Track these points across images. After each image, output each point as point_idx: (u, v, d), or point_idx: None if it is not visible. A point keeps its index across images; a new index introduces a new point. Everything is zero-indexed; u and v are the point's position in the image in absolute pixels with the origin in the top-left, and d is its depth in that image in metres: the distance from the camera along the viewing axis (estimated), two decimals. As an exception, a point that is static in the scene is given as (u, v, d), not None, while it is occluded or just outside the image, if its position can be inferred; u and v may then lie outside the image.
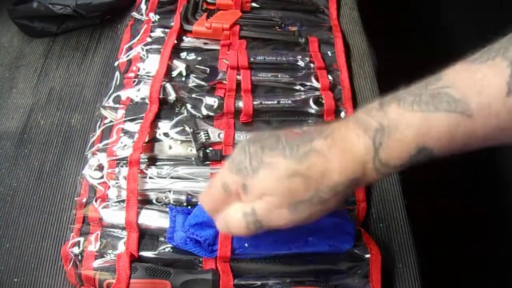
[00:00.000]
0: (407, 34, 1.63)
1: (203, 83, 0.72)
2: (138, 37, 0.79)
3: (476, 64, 0.35)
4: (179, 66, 0.74)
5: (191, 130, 0.66)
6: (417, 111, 0.36)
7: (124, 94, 0.71)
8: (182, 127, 0.66)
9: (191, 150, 0.65)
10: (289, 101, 0.71)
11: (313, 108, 0.71)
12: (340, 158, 0.39)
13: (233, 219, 0.43)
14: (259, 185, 0.40)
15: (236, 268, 0.55)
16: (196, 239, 0.54)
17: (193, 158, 0.65)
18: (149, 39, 0.78)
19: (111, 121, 0.68)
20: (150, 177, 0.62)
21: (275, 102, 0.71)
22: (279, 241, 0.55)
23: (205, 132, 0.66)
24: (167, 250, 0.57)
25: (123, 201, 0.59)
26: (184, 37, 0.80)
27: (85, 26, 0.87)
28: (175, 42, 0.77)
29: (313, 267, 0.56)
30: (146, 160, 0.64)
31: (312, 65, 0.77)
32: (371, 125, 0.38)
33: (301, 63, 0.78)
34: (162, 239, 0.57)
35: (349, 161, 0.39)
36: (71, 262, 0.56)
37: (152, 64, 0.74)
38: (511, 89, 0.33)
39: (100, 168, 0.63)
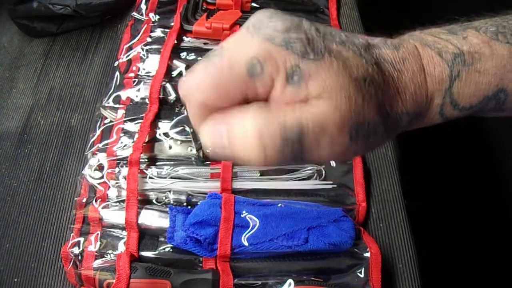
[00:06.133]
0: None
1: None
2: (138, 37, 0.79)
3: None
4: (179, 66, 0.74)
5: (191, 130, 0.65)
6: (504, 43, 0.30)
7: (124, 94, 0.71)
8: (182, 127, 0.66)
9: (191, 150, 0.65)
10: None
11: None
12: (415, 78, 0.29)
13: (254, 131, 0.25)
14: (322, 77, 0.25)
15: (236, 267, 0.55)
16: (196, 238, 0.54)
17: (193, 158, 0.65)
18: (149, 39, 0.78)
19: (111, 121, 0.68)
20: (150, 177, 0.62)
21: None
22: (278, 240, 0.55)
23: (205, 132, 0.66)
24: (167, 250, 0.57)
25: (123, 201, 0.59)
26: (184, 37, 0.80)
27: (85, 26, 0.87)
28: (175, 42, 0.77)
29: (313, 266, 0.56)
30: (146, 160, 0.64)
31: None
32: (447, 48, 0.30)
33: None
34: (162, 239, 0.57)
35: (423, 85, 0.30)
36: (71, 262, 0.56)
37: (152, 64, 0.74)
38: None
39: (100, 168, 0.63)
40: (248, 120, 0.26)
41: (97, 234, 0.58)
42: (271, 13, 0.27)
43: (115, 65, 0.77)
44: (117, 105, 0.69)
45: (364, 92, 0.27)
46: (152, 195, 0.61)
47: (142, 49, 0.76)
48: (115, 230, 0.59)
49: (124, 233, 0.58)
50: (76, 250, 0.56)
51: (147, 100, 0.69)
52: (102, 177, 0.62)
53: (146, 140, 0.64)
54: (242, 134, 0.26)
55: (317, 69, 0.26)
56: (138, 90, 0.71)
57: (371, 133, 0.28)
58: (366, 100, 0.27)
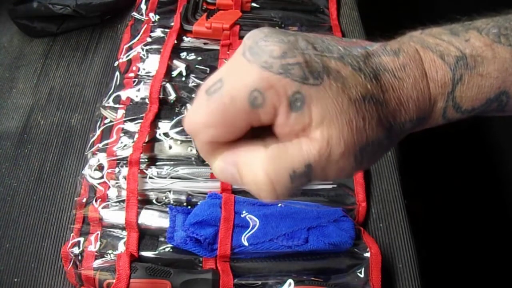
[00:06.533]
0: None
1: (203, 83, 0.72)
2: (138, 37, 0.79)
3: None
4: (179, 66, 0.74)
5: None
6: (506, 45, 0.30)
7: (124, 94, 0.71)
8: (182, 127, 0.66)
9: (191, 150, 0.65)
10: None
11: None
12: (418, 84, 0.29)
13: (263, 174, 0.26)
14: (323, 102, 0.25)
15: (236, 267, 0.55)
16: (196, 238, 0.55)
17: (193, 158, 0.65)
18: (149, 39, 0.78)
19: (111, 121, 0.68)
20: (150, 177, 0.62)
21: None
22: (278, 240, 0.55)
23: (205, 132, 0.66)
24: (167, 250, 0.57)
25: (123, 201, 0.59)
26: (184, 37, 0.80)
27: (85, 26, 0.87)
28: (175, 42, 0.77)
29: (313, 266, 0.56)
30: (146, 160, 0.64)
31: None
32: (449, 51, 0.30)
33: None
34: (162, 239, 0.57)
35: (426, 90, 0.29)
36: (71, 262, 0.56)
37: (152, 64, 0.74)
38: None
39: (100, 168, 0.63)
40: (257, 164, 0.27)
41: (97, 234, 0.58)
42: (266, 34, 0.27)
43: (115, 65, 0.77)
44: (117, 105, 0.69)
45: (364, 112, 0.27)
46: (152, 195, 0.61)
47: (142, 49, 0.76)
48: (115, 230, 0.59)
49: (124, 233, 0.58)
50: (76, 250, 0.56)
51: (147, 100, 0.69)
52: (102, 177, 0.62)
53: (146, 140, 0.64)
54: (252, 176, 0.27)
55: (318, 94, 0.26)
56: (138, 90, 0.71)
57: (376, 149, 0.28)
58: (367, 119, 0.27)
